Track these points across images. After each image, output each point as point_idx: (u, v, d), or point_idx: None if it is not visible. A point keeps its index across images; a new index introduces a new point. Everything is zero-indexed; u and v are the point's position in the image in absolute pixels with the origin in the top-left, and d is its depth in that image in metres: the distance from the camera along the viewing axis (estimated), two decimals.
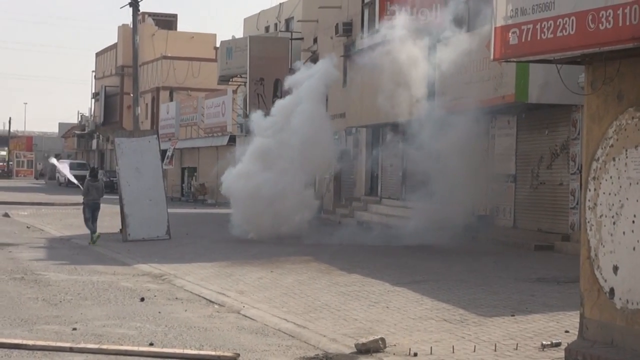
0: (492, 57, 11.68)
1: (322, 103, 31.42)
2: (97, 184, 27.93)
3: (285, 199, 28.44)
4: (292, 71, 35.89)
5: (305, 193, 30.11)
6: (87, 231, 27.34)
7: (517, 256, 21.71)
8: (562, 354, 10.89)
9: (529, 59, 11.78)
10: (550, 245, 23.29)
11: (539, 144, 25.10)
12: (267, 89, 45.38)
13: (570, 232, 23.04)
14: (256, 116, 31.85)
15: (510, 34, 10.97)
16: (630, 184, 10.00)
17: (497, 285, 17.13)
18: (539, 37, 10.53)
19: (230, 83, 55.35)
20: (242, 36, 56.70)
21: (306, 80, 30.08)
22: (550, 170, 24.68)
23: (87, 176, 29.67)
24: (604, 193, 10.39)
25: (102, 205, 27.66)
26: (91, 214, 27.25)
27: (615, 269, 10.17)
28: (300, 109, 29.35)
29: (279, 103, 31.88)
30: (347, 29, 37.50)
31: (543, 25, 10.43)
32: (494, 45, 11.39)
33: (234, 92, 55.73)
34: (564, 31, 10.14)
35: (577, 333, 11.00)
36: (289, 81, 31.24)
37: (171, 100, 69.29)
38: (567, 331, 12.40)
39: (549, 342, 11.60)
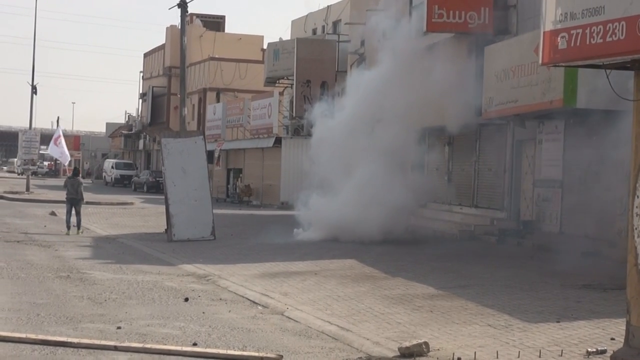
0: (540, 61, 11.60)
1: None
2: (74, 181, 30.36)
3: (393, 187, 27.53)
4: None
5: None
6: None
7: (564, 262, 21.47)
8: None
9: (578, 64, 11.65)
10: (597, 252, 23.03)
11: (587, 149, 24.82)
12: (313, 91, 45.40)
13: (617, 239, 22.77)
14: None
15: (559, 38, 10.89)
16: None
17: (542, 291, 16.99)
18: (588, 42, 10.45)
19: (276, 85, 55.40)
20: (289, 38, 56.78)
21: None
22: (598, 176, 24.38)
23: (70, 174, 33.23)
24: None
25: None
26: (71, 208, 29.70)
27: None
28: None
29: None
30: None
31: (592, 30, 10.35)
32: (543, 49, 11.32)
33: (281, 94, 55.77)
34: (613, 36, 10.06)
35: (623, 341, 10.89)
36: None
37: (218, 101, 69.37)
38: (613, 339, 12.28)
39: (594, 349, 11.48)
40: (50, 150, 45.87)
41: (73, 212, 29.67)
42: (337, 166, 28.96)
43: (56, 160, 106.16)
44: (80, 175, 34.00)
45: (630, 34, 9.79)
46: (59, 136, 44.57)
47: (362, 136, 29.07)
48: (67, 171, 62.12)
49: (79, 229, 29.56)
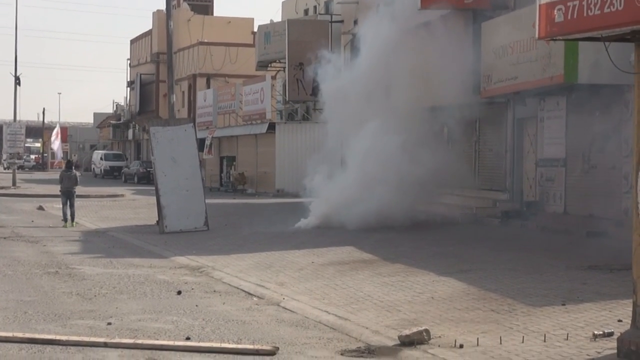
0: (537, 35, 11.38)
1: None
2: (69, 174, 31.20)
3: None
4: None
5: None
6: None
7: (568, 243, 21.32)
8: (614, 343, 10.63)
9: (576, 37, 11.47)
10: (603, 232, 22.74)
11: (590, 126, 24.53)
12: (306, 74, 44.93)
13: (623, 218, 22.46)
14: None
15: (555, 11, 10.77)
16: None
17: (547, 274, 16.75)
18: (585, 14, 10.31)
19: (268, 69, 55.04)
20: (280, 20, 56.35)
21: None
22: (602, 153, 24.11)
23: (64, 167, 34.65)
24: None
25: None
26: (66, 200, 30.40)
27: None
28: None
29: None
30: None
31: (590, 1, 10.26)
32: (539, 23, 11.18)
33: (273, 78, 55.34)
34: (611, 7, 9.94)
35: (630, 322, 10.68)
36: None
37: (208, 87, 68.77)
38: (620, 320, 12.13)
39: (601, 332, 11.35)
40: (54, 146, 46.04)
41: (68, 204, 30.37)
42: (339, 142, 28.73)
43: (44, 153, 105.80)
44: (74, 167, 34.54)
45: (629, 4, 9.68)
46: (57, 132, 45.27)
47: (360, 115, 28.76)
48: (58, 164, 62.25)
49: (72, 221, 30.22)
